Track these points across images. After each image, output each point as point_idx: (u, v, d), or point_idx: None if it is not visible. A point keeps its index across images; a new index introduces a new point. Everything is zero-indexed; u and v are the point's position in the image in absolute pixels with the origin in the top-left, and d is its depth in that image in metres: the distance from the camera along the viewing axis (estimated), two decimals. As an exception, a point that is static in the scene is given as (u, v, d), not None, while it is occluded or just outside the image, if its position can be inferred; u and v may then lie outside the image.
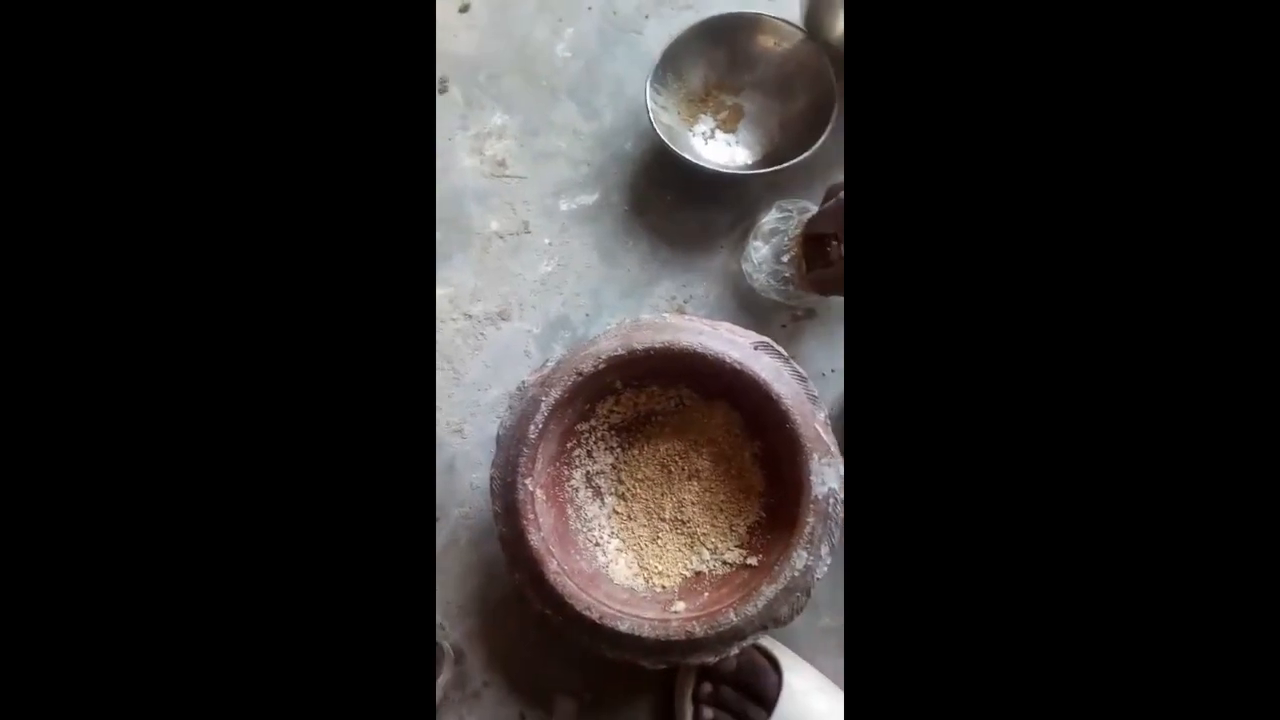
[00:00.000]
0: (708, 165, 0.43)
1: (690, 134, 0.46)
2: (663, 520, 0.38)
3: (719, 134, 0.47)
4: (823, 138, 0.42)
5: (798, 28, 0.45)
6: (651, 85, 0.44)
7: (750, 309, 0.44)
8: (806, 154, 0.42)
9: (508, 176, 0.47)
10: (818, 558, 0.33)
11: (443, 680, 0.38)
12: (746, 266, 0.42)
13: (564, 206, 0.46)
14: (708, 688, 0.36)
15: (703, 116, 0.47)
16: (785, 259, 0.40)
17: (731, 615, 0.32)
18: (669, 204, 0.46)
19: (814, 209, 0.41)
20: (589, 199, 0.47)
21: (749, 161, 0.46)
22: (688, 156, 0.42)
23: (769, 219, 0.42)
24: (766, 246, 0.41)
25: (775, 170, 0.42)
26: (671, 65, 0.45)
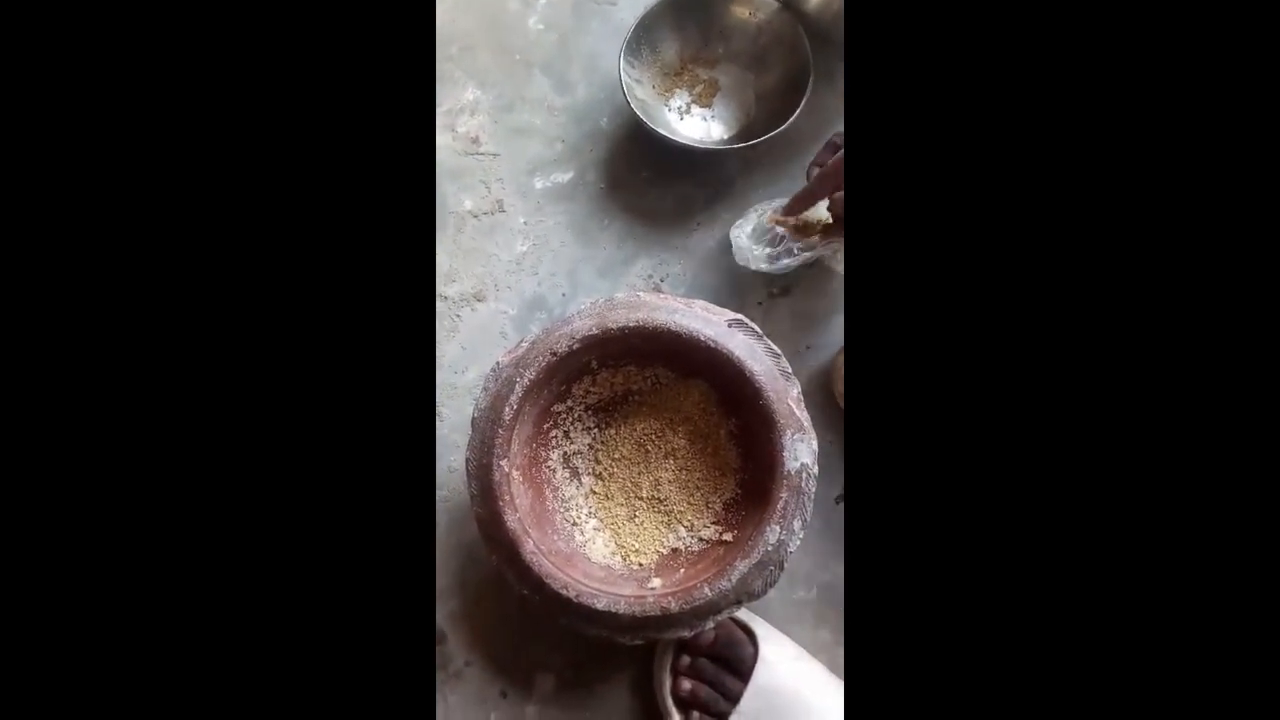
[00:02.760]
0: (684, 140, 0.43)
1: (665, 109, 0.46)
2: (640, 499, 0.38)
3: (694, 109, 0.46)
4: (798, 110, 0.41)
5: (773, -3, 0.44)
6: (625, 59, 0.43)
7: (727, 287, 0.44)
8: (782, 127, 0.41)
9: (481, 154, 0.46)
10: (790, 532, 0.34)
11: (424, 659, 0.38)
12: (739, 243, 0.41)
13: (539, 185, 0.46)
14: (686, 660, 0.37)
15: (678, 91, 0.46)
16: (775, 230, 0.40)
17: (706, 590, 0.32)
18: (644, 181, 0.45)
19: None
20: (564, 177, 0.46)
21: (725, 136, 0.45)
22: (663, 132, 0.42)
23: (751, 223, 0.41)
24: (750, 224, 0.41)
25: (751, 144, 0.42)
26: (646, 38, 0.44)
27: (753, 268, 0.41)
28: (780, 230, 0.40)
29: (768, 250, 0.40)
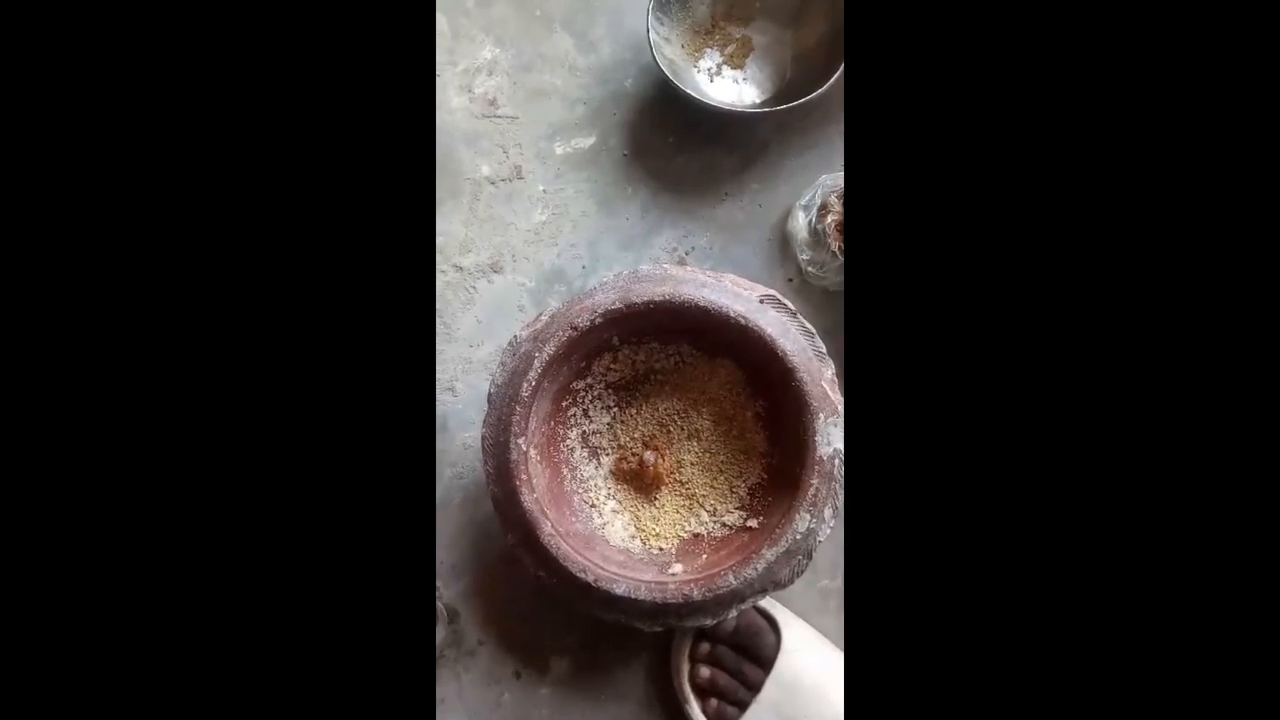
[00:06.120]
0: (714, 104, 0.40)
1: (695, 70, 0.43)
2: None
3: (726, 70, 0.43)
4: (838, 72, 0.38)
5: (815, -52, 0.41)
6: (653, 15, 0.40)
7: (757, 260, 0.42)
8: (820, 90, 0.38)
9: (499, 117, 0.44)
10: (820, 520, 0.32)
11: (438, 639, 0.38)
12: (804, 259, 0.39)
13: (559, 150, 0.43)
14: (705, 647, 0.36)
15: (708, 50, 0.43)
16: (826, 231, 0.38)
17: (730, 578, 0.31)
18: (671, 147, 0.43)
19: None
20: (586, 142, 0.43)
21: (758, 100, 0.43)
22: (692, 94, 0.39)
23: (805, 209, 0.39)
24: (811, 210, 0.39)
25: (786, 108, 0.39)
26: (675, -8, 0.41)
27: (813, 284, 0.40)
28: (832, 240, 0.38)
29: (837, 258, 0.38)
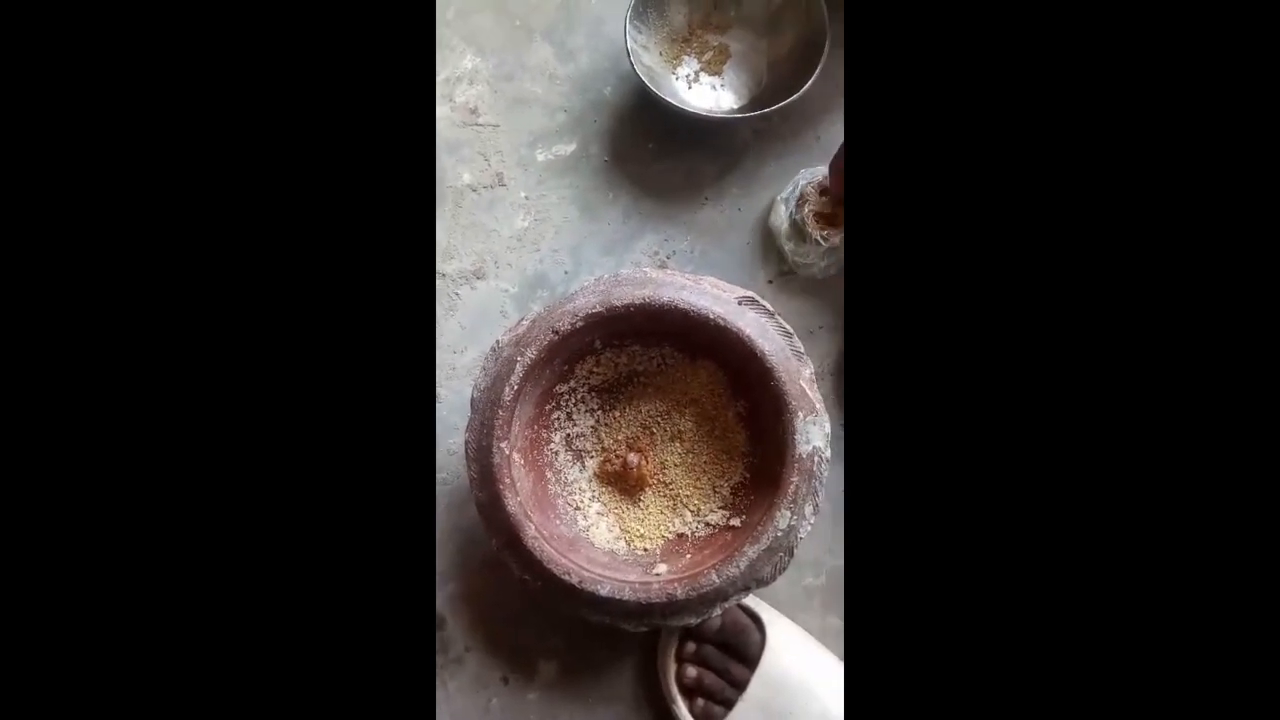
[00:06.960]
0: (692, 110, 0.41)
1: (673, 77, 0.44)
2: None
3: (703, 77, 0.44)
4: (812, 78, 0.39)
5: (788, -43, 0.41)
6: (631, 24, 0.41)
7: (736, 263, 0.42)
8: (795, 95, 0.39)
9: (480, 125, 0.45)
10: (801, 517, 0.32)
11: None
12: (790, 249, 0.41)
13: (540, 157, 0.44)
14: (691, 647, 0.36)
15: (686, 58, 0.44)
16: (805, 217, 0.39)
17: (713, 576, 0.31)
18: (651, 153, 0.44)
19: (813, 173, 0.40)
20: (567, 149, 0.44)
21: (735, 105, 0.43)
22: (671, 101, 0.40)
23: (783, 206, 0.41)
24: (790, 205, 0.40)
25: (763, 114, 0.40)
26: (653, 1, 0.42)
27: (801, 273, 0.41)
28: (811, 228, 0.39)
29: (819, 245, 0.39)
